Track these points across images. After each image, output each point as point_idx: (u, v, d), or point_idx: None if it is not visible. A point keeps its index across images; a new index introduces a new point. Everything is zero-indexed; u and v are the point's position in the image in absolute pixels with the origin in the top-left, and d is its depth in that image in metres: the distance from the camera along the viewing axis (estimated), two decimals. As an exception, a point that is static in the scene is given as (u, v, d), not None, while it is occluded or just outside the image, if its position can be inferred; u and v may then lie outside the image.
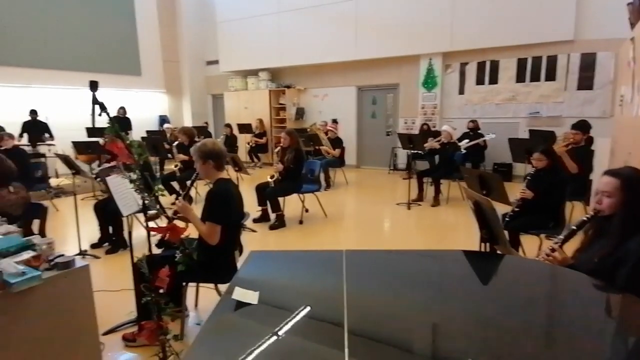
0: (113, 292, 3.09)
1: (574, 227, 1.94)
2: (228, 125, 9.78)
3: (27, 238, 1.97)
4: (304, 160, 5.33)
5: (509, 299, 1.52)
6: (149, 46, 10.72)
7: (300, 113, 10.24)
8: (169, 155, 7.13)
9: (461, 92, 8.26)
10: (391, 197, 6.53)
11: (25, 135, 7.72)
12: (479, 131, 7.44)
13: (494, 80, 7.86)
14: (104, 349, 2.29)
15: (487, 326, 1.34)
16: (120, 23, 10.01)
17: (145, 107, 10.80)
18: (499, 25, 7.40)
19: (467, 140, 6.93)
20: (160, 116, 11.25)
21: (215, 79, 11.68)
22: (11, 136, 5.44)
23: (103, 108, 1.47)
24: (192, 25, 11.40)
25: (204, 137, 8.16)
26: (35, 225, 3.84)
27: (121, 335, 2.58)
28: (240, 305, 1.35)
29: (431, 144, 6.32)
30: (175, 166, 6.21)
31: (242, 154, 9.55)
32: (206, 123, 11.06)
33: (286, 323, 1.24)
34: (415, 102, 8.72)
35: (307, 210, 5.44)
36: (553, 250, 1.91)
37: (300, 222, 5.15)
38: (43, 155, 7.22)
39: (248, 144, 9.96)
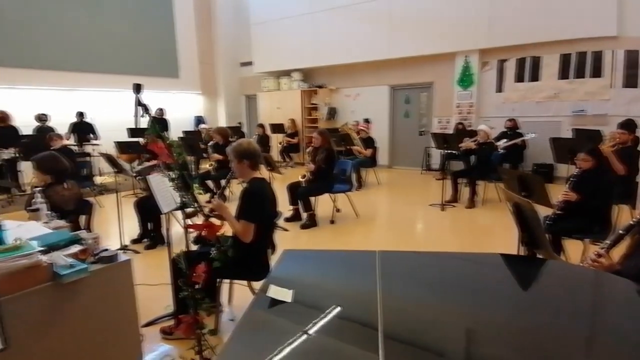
0: (152, 286, 3.20)
1: (622, 232, 1.84)
2: (261, 126, 9.95)
3: (75, 233, 2.09)
4: (336, 160, 5.34)
5: (550, 306, 1.46)
6: (187, 49, 11.06)
7: (332, 113, 10.25)
8: (205, 154, 7.35)
9: (499, 89, 7.98)
10: (424, 198, 6.40)
11: (73, 136, 8.17)
12: (518, 130, 7.16)
13: (534, 77, 7.54)
14: (143, 340, 2.38)
15: (526, 334, 1.28)
16: (160, 28, 10.40)
17: (182, 108, 11.14)
18: (539, 19, 7.08)
19: (505, 140, 6.68)
20: (196, 117, 11.59)
21: (248, 80, 11.90)
22: (60, 136, 5.79)
23: (146, 110, 1.54)
24: (227, 27, 11.68)
25: (238, 137, 8.34)
26: (81, 220, 4.06)
27: (159, 327, 2.67)
28: (273, 303, 1.37)
29: (467, 144, 6.14)
30: (210, 165, 6.39)
31: (275, 154, 9.68)
32: (240, 123, 11.30)
33: (317, 322, 1.24)
34: (450, 100, 8.51)
35: (338, 210, 5.43)
36: (599, 255, 1.81)
37: (332, 222, 5.16)
38: (88, 155, 7.63)
39: (280, 143, 10.08)
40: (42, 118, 7.74)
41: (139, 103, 1.54)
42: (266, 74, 11.18)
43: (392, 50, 8.75)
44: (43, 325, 1.68)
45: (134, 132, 8.03)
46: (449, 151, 6.15)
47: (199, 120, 11.42)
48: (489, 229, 5.08)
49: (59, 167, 3.39)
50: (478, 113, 8.23)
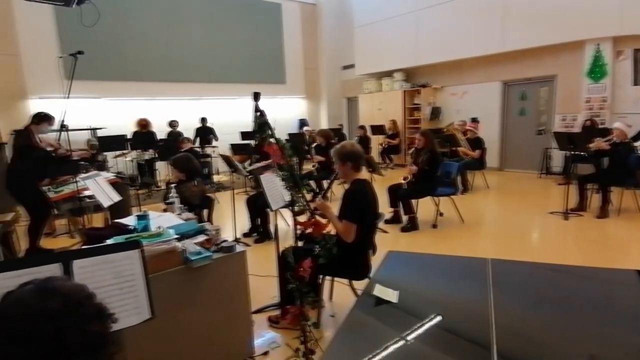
0: (259, 277, 3.43)
1: None
2: (362, 127, 10.02)
3: (200, 224, 2.38)
4: (440, 162, 5.11)
5: None
6: (293, 56, 11.73)
7: (435, 113, 9.85)
8: (308, 156, 7.69)
9: (636, 82, 6.77)
10: (543, 204, 5.75)
11: (197, 139, 9.28)
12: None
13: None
14: (253, 325, 2.60)
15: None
16: (270, 38, 11.20)
17: (287, 111, 11.81)
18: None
19: (647, 140, 5.64)
20: (300, 119, 12.18)
21: (350, 82, 12.10)
22: (189, 140, 6.64)
23: (262, 115, 1.69)
24: (331, 33, 12.04)
25: (339, 138, 8.53)
26: (203, 213, 4.58)
27: (266, 316, 2.88)
28: (375, 304, 1.37)
29: (598, 144, 5.31)
30: (313, 166, 6.65)
31: (375, 155, 9.66)
32: (340, 125, 11.54)
33: (419, 329, 1.21)
34: (577, 95, 7.48)
35: (441, 214, 5.20)
36: None
37: (434, 226, 4.95)
38: (209, 156, 8.58)
39: (381, 145, 10.02)
40: (173, 124, 8.95)
41: (257, 109, 1.70)
42: (367, 76, 11.23)
43: (505, 43, 8.04)
44: (177, 302, 1.96)
45: (244, 135, 8.80)
46: (575, 152, 5.40)
47: (302, 122, 11.97)
48: (625, 242, 4.34)
49: (191, 167, 3.91)
50: (612, 109, 7.09)
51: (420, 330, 1.21)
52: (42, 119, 4.01)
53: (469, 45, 8.58)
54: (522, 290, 1.53)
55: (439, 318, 1.27)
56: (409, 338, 1.17)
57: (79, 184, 4.04)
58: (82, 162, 5.28)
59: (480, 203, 6.39)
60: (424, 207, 5.16)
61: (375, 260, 2.42)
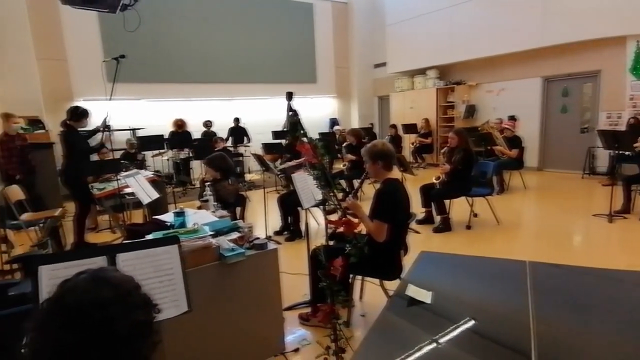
0: (290, 275, 3.45)
1: None
2: (393, 126, 9.91)
3: (234, 221, 2.44)
4: (474, 162, 4.97)
5: None
6: (324, 56, 11.75)
7: (470, 111, 9.57)
8: (339, 155, 7.68)
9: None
10: (586, 206, 5.47)
11: (230, 139, 9.48)
12: None
13: None
14: (284, 322, 2.63)
15: None
16: (302, 38, 11.28)
17: (318, 110, 11.84)
18: None
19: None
20: (331, 119, 12.18)
21: (381, 81, 11.97)
22: (223, 139, 6.80)
23: (295, 114, 1.71)
24: (363, 31, 11.96)
25: (370, 137, 8.47)
26: (236, 211, 4.67)
27: (297, 313, 2.90)
28: (407, 305, 1.36)
29: (644, 143, 5.01)
30: (344, 165, 6.64)
31: (406, 154, 9.52)
32: (371, 124, 11.45)
33: (449, 332, 1.18)
34: (622, 91, 7.06)
35: (475, 215, 5.05)
36: None
37: (468, 227, 4.82)
38: (241, 155, 8.76)
39: (412, 144, 9.87)
40: (207, 124, 9.20)
41: (290, 109, 1.72)
42: (399, 74, 11.08)
43: (546, 37, 7.69)
44: (211, 296, 2.02)
45: (276, 134, 8.91)
46: (620, 152, 5.10)
47: (333, 122, 11.96)
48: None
49: (226, 166, 4.02)
50: (657, 106, 6.65)
51: (453, 334, 1.19)
52: (81, 115, 4.27)
53: (507, 41, 8.27)
54: (564, 295, 1.46)
55: (473, 322, 1.24)
56: (441, 341, 1.15)
57: (120, 182, 4.25)
58: (123, 162, 5.55)
59: (518, 204, 6.16)
60: (458, 207, 5.03)
61: (408, 261, 2.39)
